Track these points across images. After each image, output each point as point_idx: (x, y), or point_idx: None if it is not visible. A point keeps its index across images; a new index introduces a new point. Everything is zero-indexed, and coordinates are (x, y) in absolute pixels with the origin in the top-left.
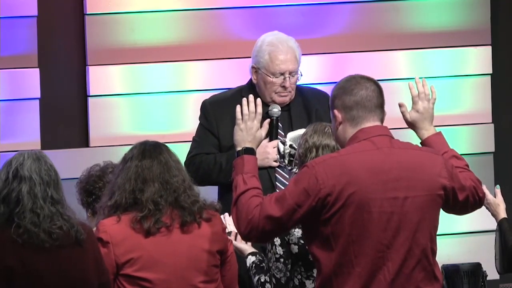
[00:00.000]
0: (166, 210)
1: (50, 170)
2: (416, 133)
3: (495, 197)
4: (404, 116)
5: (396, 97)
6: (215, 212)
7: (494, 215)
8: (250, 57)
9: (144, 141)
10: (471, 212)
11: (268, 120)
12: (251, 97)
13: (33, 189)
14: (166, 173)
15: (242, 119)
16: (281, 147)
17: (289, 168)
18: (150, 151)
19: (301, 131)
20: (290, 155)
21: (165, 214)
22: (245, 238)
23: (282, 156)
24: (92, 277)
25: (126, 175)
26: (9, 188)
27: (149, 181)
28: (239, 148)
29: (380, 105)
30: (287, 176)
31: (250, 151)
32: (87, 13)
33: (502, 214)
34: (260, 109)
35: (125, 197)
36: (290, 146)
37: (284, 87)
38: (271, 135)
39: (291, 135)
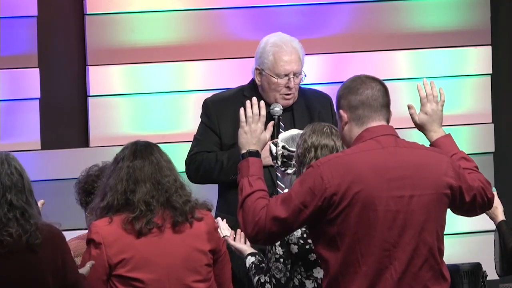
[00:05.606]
0: (158, 211)
1: (13, 174)
2: (425, 135)
3: None
4: (412, 118)
5: (396, 97)
6: (207, 212)
7: (492, 218)
8: (250, 57)
9: (135, 141)
10: (480, 213)
11: (272, 122)
12: (254, 99)
13: None
14: (157, 173)
15: (246, 121)
16: (273, 148)
17: (282, 169)
18: (142, 152)
19: (293, 131)
20: (283, 156)
21: (157, 215)
22: (253, 241)
23: (274, 157)
24: (49, 282)
25: (118, 176)
26: None
27: (141, 181)
28: (243, 151)
29: (385, 105)
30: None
31: (255, 154)
32: (87, 13)
33: (500, 216)
34: (264, 111)
35: (117, 198)
36: (283, 147)
37: (288, 87)
38: (273, 134)
39: (283, 136)
